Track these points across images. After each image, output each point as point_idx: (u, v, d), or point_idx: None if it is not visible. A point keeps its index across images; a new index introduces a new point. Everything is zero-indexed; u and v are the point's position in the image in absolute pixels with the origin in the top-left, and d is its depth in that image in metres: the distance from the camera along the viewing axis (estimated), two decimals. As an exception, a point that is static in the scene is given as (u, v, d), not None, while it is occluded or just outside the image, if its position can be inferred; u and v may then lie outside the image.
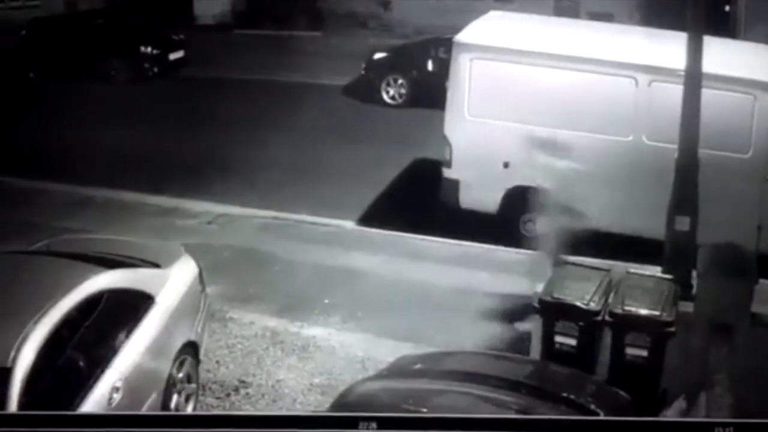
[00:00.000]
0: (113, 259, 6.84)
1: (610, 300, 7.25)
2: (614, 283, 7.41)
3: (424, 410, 5.42)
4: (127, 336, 6.40)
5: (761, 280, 7.66)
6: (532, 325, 7.74)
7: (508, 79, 10.49)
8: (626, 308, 7.08)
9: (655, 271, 8.43)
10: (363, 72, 17.07)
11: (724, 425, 4.73)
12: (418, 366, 6.48)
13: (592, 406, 5.80)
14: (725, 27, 15.38)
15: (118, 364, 6.19)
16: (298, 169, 12.84)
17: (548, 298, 7.22)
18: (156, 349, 6.61)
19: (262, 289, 9.30)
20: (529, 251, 9.65)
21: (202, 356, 7.46)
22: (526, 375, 6.36)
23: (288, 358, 8.10)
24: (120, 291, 6.47)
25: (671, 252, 8.92)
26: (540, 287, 7.46)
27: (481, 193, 10.62)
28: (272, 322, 8.68)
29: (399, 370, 6.54)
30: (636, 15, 17.57)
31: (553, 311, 7.18)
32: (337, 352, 8.21)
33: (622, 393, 6.34)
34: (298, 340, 8.39)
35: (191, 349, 7.16)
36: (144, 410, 6.34)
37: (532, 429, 4.93)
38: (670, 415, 6.81)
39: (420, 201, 11.48)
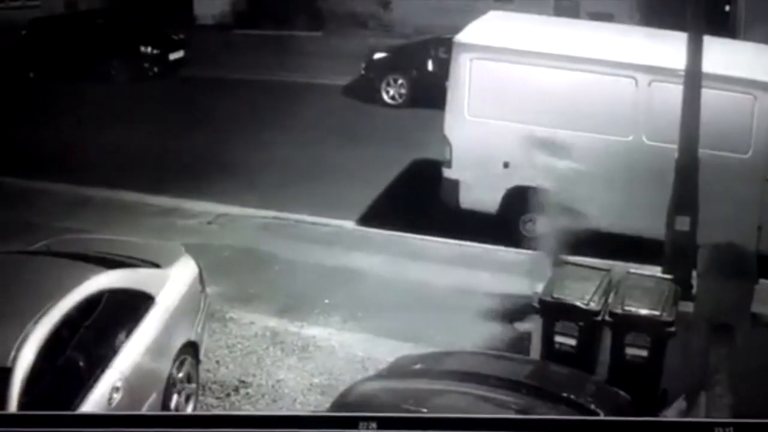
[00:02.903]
0: (113, 259, 6.84)
1: (610, 300, 7.25)
2: (614, 283, 7.41)
3: (424, 410, 5.42)
4: (127, 336, 6.39)
5: (761, 280, 7.66)
6: (531, 325, 7.73)
7: (508, 79, 10.47)
8: (626, 308, 7.08)
9: (655, 271, 8.42)
10: (363, 72, 17.05)
11: (724, 425, 4.72)
12: (418, 366, 6.47)
13: (592, 406, 5.80)
14: (725, 27, 15.36)
15: (118, 364, 6.18)
16: (298, 169, 12.83)
17: (548, 298, 7.21)
18: (156, 349, 6.60)
19: (262, 289, 9.29)
20: (529, 251, 9.63)
21: (202, 356, 7.45)
22: (526, 375, 6.35)
23: (288, 358, 8.09)
24: (120, 291, 6.46)
25: (671, 252, 8.89)
26: (540, 287, 7.46)
27: (481, 193, 10.61)
28: (272, 322, 8.66)
29: (399, 370, 6.53)
30: (636, 15, 17.54)
31: (553, 311, 7.17)
32: (337, 352, 8.20)
33: (622, 393, 6.34)
34: (298, 340, 8.38)
35: (191, 349, 7.15)
36: (144, 410, 6.33)
37: (532, 429, 4.88)
38: (670, 415, 6.81)
39: (420, 201, 11.47)
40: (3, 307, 5.87)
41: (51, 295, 5.92)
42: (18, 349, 5.47)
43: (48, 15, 19.96)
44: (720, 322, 7.14)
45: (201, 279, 7.52)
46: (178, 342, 6.92)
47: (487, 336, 8.29)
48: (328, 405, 6.29)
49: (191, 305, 7.25)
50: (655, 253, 9.05)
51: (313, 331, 8.55)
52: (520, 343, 7.93)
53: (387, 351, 7.84)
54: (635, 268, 7.85)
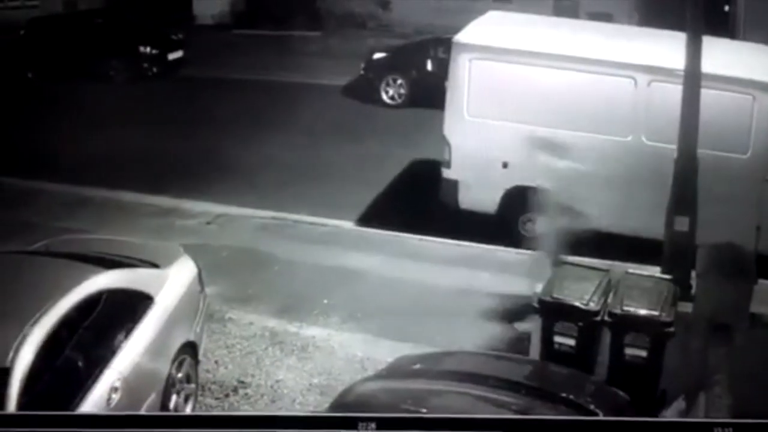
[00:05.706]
0: (112, 260, 6.85)
1: (609, 300, 7.25)
2: (613, 284, 7.40)
3: (424, 410, 5.41)
4: (126, 336, 6.40)
5: (760, 280, 7.67)
6: (531, 326, 7.73)
7: (507, 79, 10.49)
8: (625, 308, 7.08)
9: (654, 271, 8.42)
10: (362, 72, 17.08)
11: (723, 425, 4.72)
12: (417, 366, 6.48)
13: (592, 407, 5.80)
14: (724, 27, 15.39)
15: (117, 364, 6.18)
16: (297, 170, 12.84)
17: (547, 299, 7.22)
18: (155, 349, 6.60)
19: (261, 290, 9.29)
20: (528, 251, 9.63)
21: (201, 356, 7.46)
22: (525, 375, 6.36)
23: (287, 359, 8.10)
24: (119, 291, 6.46)
25: (670, 252, 8.91)
26: (539, 287, 7.46)
27: (480, 193, 10.63)
28: (271, 323, 8.67)
29: (398, 370, 6.54)
30: (635, 15, 17.58)
31: (553, 311, 7.18)
32: (336, 352, 8.21)
33: (621, 393, 6.35)
34: (298, 340, 8.39)
35: (190, 349, 7.16)
36: (143, 410, 6.33)
37: (532, 429, 4.92)
38: (669, 415, 6.81)
39: (419, 201, 11.47)
40: (2, 307, 5.87)
41: (50, 296, 5.92)
42: (17, 350, 5.47)
43: (47, 14, 19.95)
44: (719, 323, 7.15)
45: (200, 279, 7.53)
46: (177, 342, 6.93)
47: (486, 336, 8.28)
48: (327, 405, 6.28)
49: (190, 305, 7.26)
50: (654, 253, 9.06)
51: (312, 331, 8.56)
52: (520, 344, 7.93)
53: (386, 351, 7.85)
54: (634, 269, 7.85)
